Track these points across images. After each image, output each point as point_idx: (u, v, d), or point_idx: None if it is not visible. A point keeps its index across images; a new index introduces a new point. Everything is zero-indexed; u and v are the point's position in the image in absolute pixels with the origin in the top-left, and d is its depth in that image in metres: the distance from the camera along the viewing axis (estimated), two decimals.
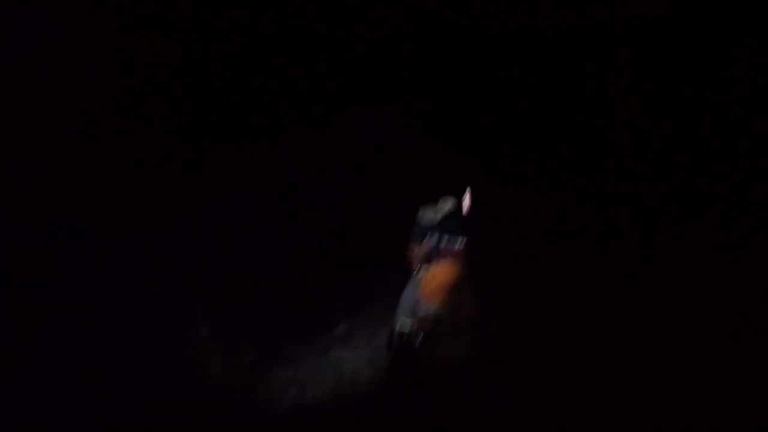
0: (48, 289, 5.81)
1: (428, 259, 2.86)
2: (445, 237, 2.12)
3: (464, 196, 2.55)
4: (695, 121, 6.51)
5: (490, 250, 5.85)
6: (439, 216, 2.93)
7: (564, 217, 6.66)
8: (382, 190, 8.33)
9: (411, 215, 3.33)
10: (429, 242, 2.96)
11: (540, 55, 9.58)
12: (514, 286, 4.74)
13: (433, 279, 2.04)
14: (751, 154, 5.64)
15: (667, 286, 4.32)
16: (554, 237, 6.14)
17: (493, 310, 2.02)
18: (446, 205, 3.00)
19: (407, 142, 10.16)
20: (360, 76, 10.76)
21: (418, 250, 3.02)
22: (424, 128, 10.75)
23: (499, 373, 3.46)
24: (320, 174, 9.58)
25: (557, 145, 8.76)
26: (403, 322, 2.09)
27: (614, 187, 6.91)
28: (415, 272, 2.92)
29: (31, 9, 8.23)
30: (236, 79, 10.56)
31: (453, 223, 2.18)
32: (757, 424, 2.72)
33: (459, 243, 2.10)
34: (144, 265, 7.33)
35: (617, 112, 7.86)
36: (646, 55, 7.49)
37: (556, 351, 3.58)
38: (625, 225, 6.02)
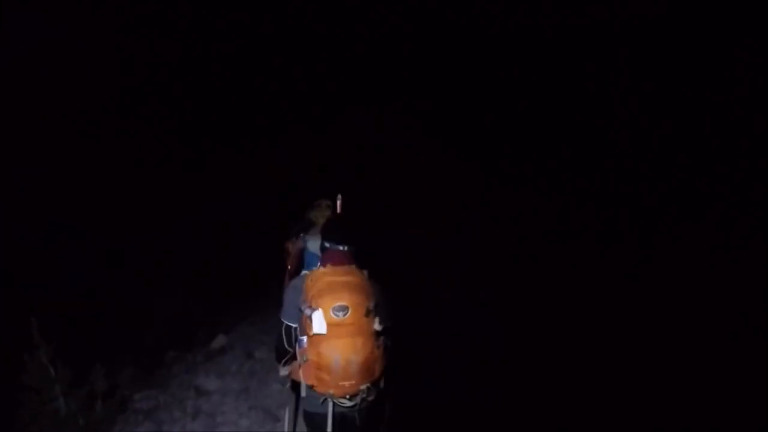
0: (48, 289, 5.71)
1: (301, 259, 2.82)
2: (329, 241, 2.11)
3: (337, 200, 2.49)
4: (695, 121, 6.51)
5: (490, 249, 5.85)
6: (320, 219, 2.87)
7: (564, 217, 6.65)
8: (382, 190, 8.30)
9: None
10: (300, 241, 2.88)
11: (540, 55, 9.59)
12: (514, 285, 4.72)
13: (316, 280, 2.07)
14: (751, 154, 5.64)
15: (667, 286, 4.31)
16: (554, 237, 6.14)
17: (385, 312, 2.04)
18: (324, 207, 3.03)
19: (407, 142, 10.17)
20: (360, 77, 10.76)
21: (291, 247, 2.98)
22: (424, 128, 10.75)
23: (496, 372, 3.46)
24: (320, 174, 9.58)
25: (557, 145, 8.76)
26: (290, 321, 2.08)
27: (614, 187, 6.91)
28: (290, 273, 2.88)
29: (32, 9, 8.23)
30: (236, 79, 10.56)
31: (336, 227, 2.18)
32: (757, 423, 2.71)
33: (342, 247, 2.11)
34: (144, 265, 7.21)
35: (617, 112, 7.86)
36: (646, 55, 7.50)
37: (555, 350, 3.58)
38: (625, 225, 6.02)
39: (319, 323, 1.94)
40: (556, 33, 8.63)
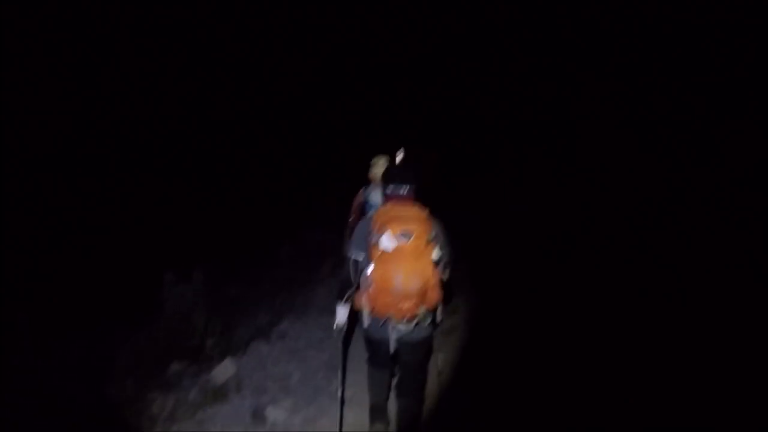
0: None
1: (362, 211, 3.27)
2: (391, 185, 2.46)
3: (398, 153, 2.91)
4: (694, 121, 6.49)
5: (489, 250, 5.84)
6: (379, 174, 3.21)
7: (564, 217, 6.65)
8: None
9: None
10: (361, 195, 3.37)
11: (539, 54, 9.56)
12: (512, 285, 4.72)
13: (382, 214, 2.32)
14: (751, 154, 5.62)
15: (667, 286, 4.31)
16: (554, 237, 6.13)
17: (444, 249, 2.33)
18: (380, 161, 3.44)
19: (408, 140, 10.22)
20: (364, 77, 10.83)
21: (356, 199, 3.42)
22: (423, 128, 10.76)
23: (495, 370, 3.46)
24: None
25: (556, 145, 8.76)
26: (357, 254, 2.35)
27: (614, 186, 6.90)
28: (351, 224, 3.24)
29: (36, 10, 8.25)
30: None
31: (397, 171, 2.52)
32: (757, 424, 2.70)
33: (403, 189, 2.41)
34: (155, 239, 6.59)
35: (616, 112, 7.85)
36: (645, 54, 7.48)
37: (554, 350, 3.57)
38: (625, 225, 6.00)
39: (386, 242, 2.20)
40: (556, 33, 8.63)
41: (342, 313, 2.46)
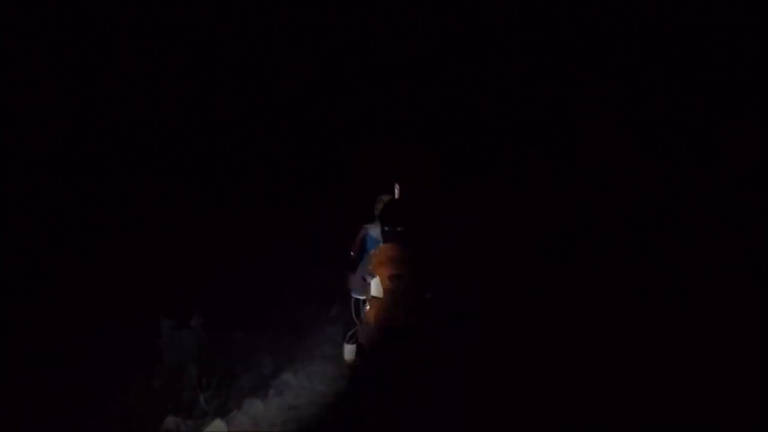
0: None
1: (363, 244, 3.39)
2: (386, 226, 2.65)
3: (395, 189, 3.04)
4: (694, 121, 6.50)
5: (490, 248, 5.84)
6: (378, 208, 3.39)
7: (564, 217, 6.65)
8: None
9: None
10: (363, 230, 3.43)
11: (540, 54, 9.55)
12: (512, 285, 4.72)
13: (378, 254, 2.49)
14: (751, 154, 5.63)
15: (666, 286, 4.31)
16: (554, 237, 6.13)
17: (428, 280, 2.43)
18: (385, 199, 3.53)
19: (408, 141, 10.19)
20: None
21: (358, 235, 3.52)
22: (422, 129, 10.75)
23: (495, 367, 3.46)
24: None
25: (556, 145, 8.76)
26: (359, 293, 2.55)
27: (614, 186, 6.91)
28: (353, 258, 3.40)
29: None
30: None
31: (393, 212, 2.76)
32: (757, 424, 2.70)
33: (399, 228, 2.57)
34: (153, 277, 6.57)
35: (616, 112, 7.86)
36: (645, 54, 7.49)
37: (554, 350, 3.57)
38: (625, 225, 6.01)
39: (376, 288, 2.36)
40: (555, 33, 8.63)
41: (349, 352, 2.66)
